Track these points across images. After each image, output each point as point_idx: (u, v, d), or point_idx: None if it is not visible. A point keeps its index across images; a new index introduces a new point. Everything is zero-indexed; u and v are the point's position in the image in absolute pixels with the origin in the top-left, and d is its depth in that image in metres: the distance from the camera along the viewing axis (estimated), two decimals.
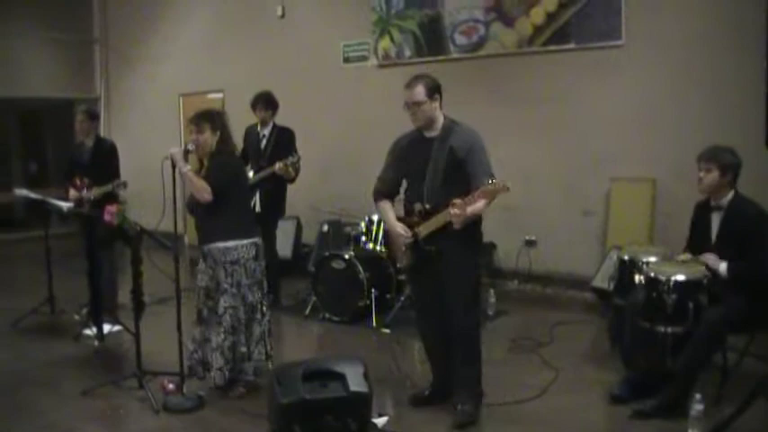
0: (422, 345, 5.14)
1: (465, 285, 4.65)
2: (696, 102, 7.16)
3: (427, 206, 4.59)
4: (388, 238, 4.93)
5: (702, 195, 4.98)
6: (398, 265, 4.98)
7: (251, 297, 5.04)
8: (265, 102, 7.46)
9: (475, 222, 4.60)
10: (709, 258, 4.73)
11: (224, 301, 4.97)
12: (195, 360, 5.10)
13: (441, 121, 4.66)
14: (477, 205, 4.40)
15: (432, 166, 4.59)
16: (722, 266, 4.66)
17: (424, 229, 4.61)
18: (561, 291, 8.07)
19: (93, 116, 7.15)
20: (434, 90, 4.62)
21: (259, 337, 5.09)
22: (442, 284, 4.65)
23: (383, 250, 7.26)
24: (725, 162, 4.75)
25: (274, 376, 4.27)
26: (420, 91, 4.58)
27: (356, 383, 4.25)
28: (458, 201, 4.34)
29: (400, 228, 4.72)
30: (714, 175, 4.75)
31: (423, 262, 4.71)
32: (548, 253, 8.21)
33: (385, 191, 4.91)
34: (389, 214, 4.85)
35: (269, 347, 5.18)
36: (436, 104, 4.63)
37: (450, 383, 4.88)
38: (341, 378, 4.25)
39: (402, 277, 7.01)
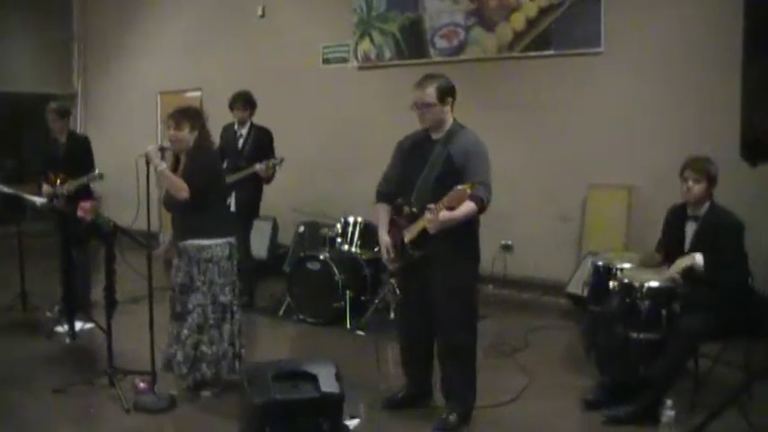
0: (399, 346, 5.05)
1: (456, 296, 4.51)
2: (674, 110, 7.21)
3: (414, 209, 4.52)
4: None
5: (680, 201, 5.00)
6: (389, 267, 4.90)
7: (222, 297, 4.99)
8: (244, 101, 7.42)
9: (467, 230, 4.47)
10: (683, 261, 4.71)
11: (194, 299, 4.93)
12: (170, 355, 5.05)
13: (449, 124, 4.55)
14: (457, 212, 4.27)
15: (427, 169, 4.50)
16: (697, 257, 4.64)
17: (408, 234, 4.55)
18: (537, 296, 8.09)
19: (63, 113, 7.05)
20: (447, 93, 4.49)
21: (229, 336, 5.05)
22: (431, 292, 4.56)
23: (359, 252, 7.25)
24: (713, 173, 4.79)
25: (245, 376, 4.25)
26: (431, 92, 4.44)
27: (328, 384, 4.23)
28: (432, 205, 4.28)
29: (384, 246, 4.67)
30: (703, 186, 4.77)
31: (410, 266, 4.65)
32: (524, 258, 8.23)
33: (386, 191, 4.81)
34: (382, 220, 4.76)
35: (238, 347, 5.14)
36: (447, 108, 4.51)
37: (426, 387, 4.86)
38: (313, 379, 4.23)
39: (384, 277, 7.06)
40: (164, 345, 5.08)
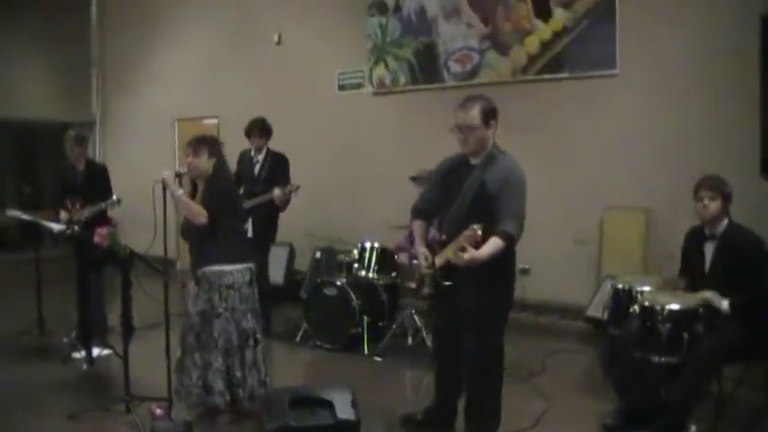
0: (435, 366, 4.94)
1: (483, 322, 4.39)
2: (690, 131, 7.19)
3: (443, 237, 4.42)
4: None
5: (698, 222, 4.96)
6: (422, 293, 4.70)
7: (245, 323, 4.97)
8: (260, 129, 7.45)
9: (500, 268, 4.28)
10: (711, 297, 4.67)
11: (218, 325, 4.91)
12: (198, 386, 5.00)
13: (488, 147, 4.41)
14: (483, 251, 4.09)
15: (462, 195, 4.39)
16: (724, 304, 4.59)
17: (438, 260, 4.45)
18: (554, 320, 8.04)
19: (81, 140, 7.11)
20: (490, 115, 4.36)
21: (251, 363, 5.00)
22: (460, 317, 4.47)
23: (376, 277, 7.23)
24: (727, 191, 4.77)
25: (262, 402, 4.23)
26: (475, 115, 4.31)
27: (344, 411, 4.21)
28: (467, 245, 4.09)
29: (422, 255, 4.54)
30: (718, 204, 4.75)
31: (441, 295, 4.54)
32: (541, 282, 8.17)
33: (423, 209, 4.74)
34: (419, 235, 4.68)
35: (263, 374, 5.09)
36: (491, 132, 4.38)
37: (451, 410, 4.78)
38: (329, 405, 4.21)
39: (402, 303, 7.08)
40: (177, 373, 5.05)
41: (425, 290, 4.61)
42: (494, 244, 4.14)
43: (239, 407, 5.02)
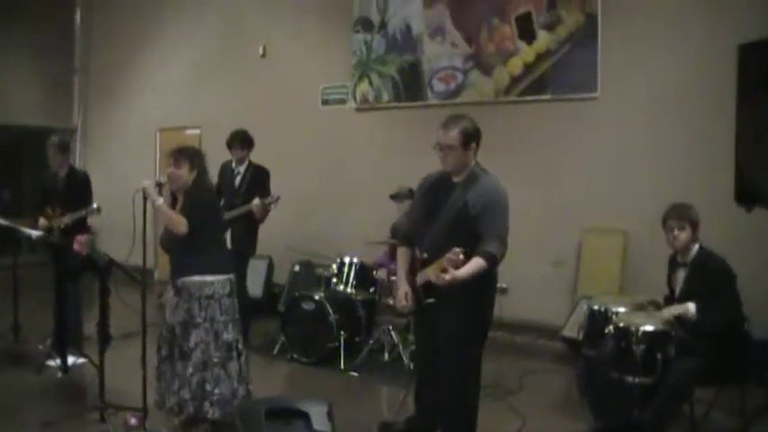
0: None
1: (459, 354, 4.41)
2: (668, 155, 7.28)
3: (425, 255, 4.42)
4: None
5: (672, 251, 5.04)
6: (402, 309, 4.73)
7: (226, 335, 4.95)
8: (242, 141, 7.45)
9: (480, 287, 4.29)
10: (676, 308, 4.74)
11: (195, 336, 4.88)
12: (162, 392, 4.98)
13: (470, 167, 4.44)
14: (463, 271, 4.07)
15: (443, 213, 4.40)
16: (690, 306, 4.66)
17: (420, 277, 4.46)
18: (531, 339, 8.07)
19: (64, 148, 7.12)
20: (471, 138, 4.36)
21: (237, 375, 4.99)
22: (438, 338, 4.47)
23: (354, 293, 7.24)
24: (695, 218, 4.83)
25: (237, 414, 4.22)
26: (454, 136, 4.32)
27: (320, 423, 4.21)
28: (449, 267, 4.06)
29: (402, 293, 4.55)
30: (687, 233, 4.81)
31: (422, 311, 4.55)
32: (518, 301, 8.19)
33: (409, 234, 4.71)
34: (402, 266, 4.67)
35: (247, 385, 5.09)
36: (470, 153, 4.40)
37: (430, 427, 4.75)
38: (304, 417, 4.21)
39: (378, 319, 7.08)
40: (155, 382, 5.03)
41: (405, 307, 4.61)
42: (475, 264, 4.14)
43: (207, 421, 4.98)
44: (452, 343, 4.42)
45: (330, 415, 4.27)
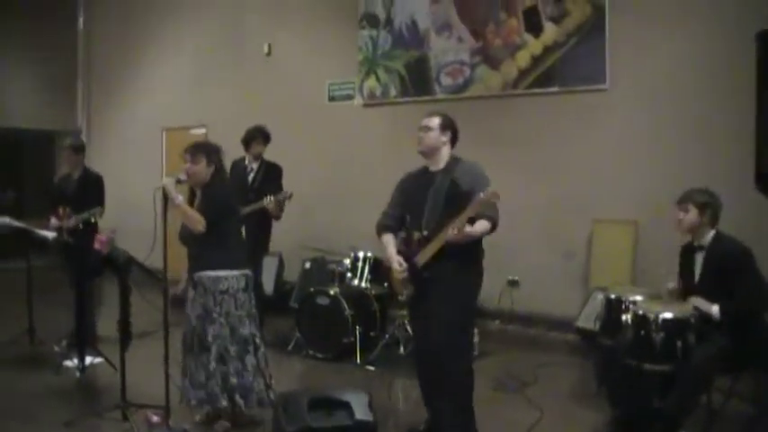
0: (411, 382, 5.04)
1: (452, 323, 4.56)
2: (679, 146, 7.28)
3: (425, 233, 4.62)
4: (389, 272, 4.87)
5: (684, 237, 5.05)
6: (400, 298, 4.91)
7: (242, 329, 4.98)
8: (264, 136, 7.48)
9: (473, 259, 4.68)
10: (700, 303, 4.77)
11: (212, 330, 4.92)
12: (186, 388, 5.02)
13: (446, 158, 4.79)
14: (474, 229, 4.42)
15: (432, 197, 4.67)
16: (714, 309, 4.69)
17: (422, 257, 4.60)
18: (543, 332, 8.08)
19: (79, 149, 7.16)
20: (448, 126, 4.81)
21: (254, 369, 5.02)
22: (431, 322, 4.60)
23: (368, 287, 7.26)
24: (700, 201, 4.84)
25: (280, 404, 4.24)
26: (435, 119, 4.79)
27: (361, 412, 4.25)
28: (457, 221, 4.38)
29: (396, 261, 4.73)
30: (692, 215, 4.84)
31: (422, 292, 4.67)
32: (530, 293, 8.24)
33: (388, 224, 4.95)
34: (390, 247, 4.87)
35: (267, 378, 5.12)
36: (445, 139, 4.78)
37: (437, 427, 4.80)
38: (346, 407, 4.24)
39: (393, 313, 7.12)
40: (178, 379, 5.06)
41: (405, 292, 4.76)
42: (483, 225, 4.49)
43: (237, 413, 5.03)
44: (447, 310, 4.56)
45: (371, 405, 4.31)
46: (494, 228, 4.56)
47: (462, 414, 4.64)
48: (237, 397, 4.94)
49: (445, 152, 4.79)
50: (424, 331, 4.72)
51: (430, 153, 4.79)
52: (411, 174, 4.97)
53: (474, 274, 4.74)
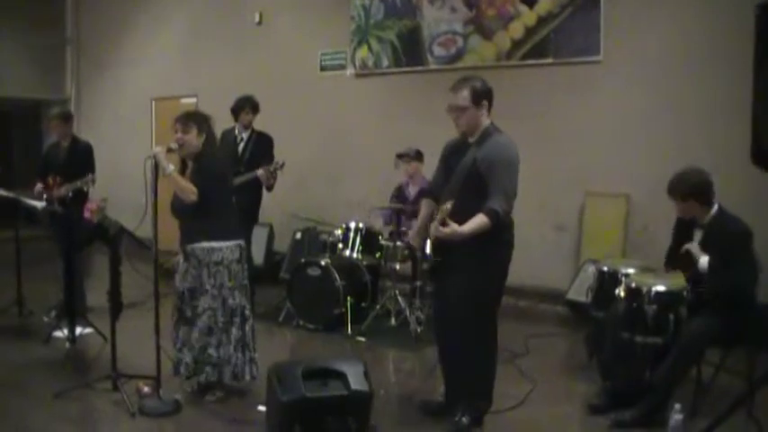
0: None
1: (468, 301, 4.38)
2: (672, 118, 7.26)
3: (448, 206, 4.35)
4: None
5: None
6: (424, 266, 4.93)
7: (231, 300, 4.95)
8: (253, 105, 7.38)
9: (485, 239, 4.21)
10: (693, 248, 4.71)
11: (204, 302, 4.90)
12: (178, 358, 5.03)
13: (484, 126, 4.46)
14: (465, 227, 4.12)
15: (459, 169, 4.43)
16: (703, 260, 4.63)
17: (431, 232, 4.44)
18: (534, 304, 8.09)
19: (67, 117, 7.07)
20: (482, 96, 4.41)
21: (238, 341, 5.00)
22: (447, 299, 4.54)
23: (360, 258, 7.24)
24: (684, 191, 4.70)
25: (275, 374, 4.22)
26: (465, 96, 4.37)
27: (357, 382, 4.23)
28: (448, 220, 4.12)
29: (414, 239, 4.77)
30: (690, 203, 4.73)
31: (434, 269, 4.59)
32: (521, 266, 8.09)
33: (429, 190, 4.89)
34: (422, 214, 4.81)
35: (252, 352, 5.11)
36: (483, 111, 4.43)
37: (452, 395, 4.77)
38: (342, 377, 4.23)
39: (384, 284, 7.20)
40: (170, 350, 5.04)
41: (425, 265, 4.72)
42: (478, 221, 4.16)
43: (220, 386, 5.04)
44: (460, 307, 4.43)
45: (367, 374, 4.29)
46: (496, 221, 4.18)
47: (479, 385, 4.60)
48: (208, 369, 4.93)
49: (484, 123, 4.46)
50: (441, 303, 4.68)
51: (473, 131, 4.45)
52: (453, 141, 4.67)
53: (486, 258, 4.36)
